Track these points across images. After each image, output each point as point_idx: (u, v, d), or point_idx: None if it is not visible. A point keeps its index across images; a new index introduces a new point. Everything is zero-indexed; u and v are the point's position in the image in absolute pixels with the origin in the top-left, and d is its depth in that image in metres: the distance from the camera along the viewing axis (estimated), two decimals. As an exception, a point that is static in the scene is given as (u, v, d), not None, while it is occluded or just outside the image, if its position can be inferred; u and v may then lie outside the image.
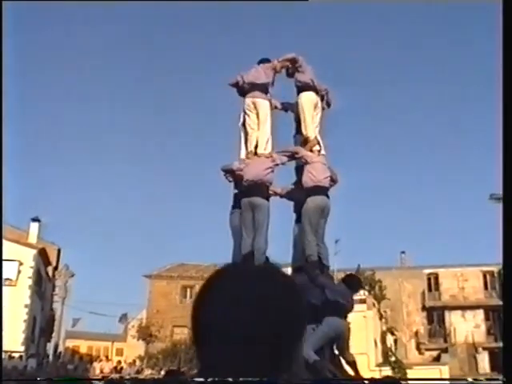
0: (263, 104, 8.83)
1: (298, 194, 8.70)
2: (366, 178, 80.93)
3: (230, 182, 8.84)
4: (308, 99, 9.06)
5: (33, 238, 37.54)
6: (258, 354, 1.07)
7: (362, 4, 70.81)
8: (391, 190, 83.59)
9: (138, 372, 29.66)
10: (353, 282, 8.80)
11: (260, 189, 8.23)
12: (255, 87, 8.88)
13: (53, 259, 40.63)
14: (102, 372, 28.33)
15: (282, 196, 9.12)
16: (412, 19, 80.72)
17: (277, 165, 8.53)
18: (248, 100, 8.86)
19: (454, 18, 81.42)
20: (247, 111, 8.86)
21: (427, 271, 48.16)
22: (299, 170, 8.85)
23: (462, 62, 78.79)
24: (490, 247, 73.77)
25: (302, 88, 9.18)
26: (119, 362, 33.50)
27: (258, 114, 8.75)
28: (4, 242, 28.62)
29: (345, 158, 76.63)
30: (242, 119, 9.03)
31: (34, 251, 34.26)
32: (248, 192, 8.25)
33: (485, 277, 47.54)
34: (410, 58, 79.77)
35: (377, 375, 30.99)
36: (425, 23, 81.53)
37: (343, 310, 8.42)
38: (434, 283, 48.42)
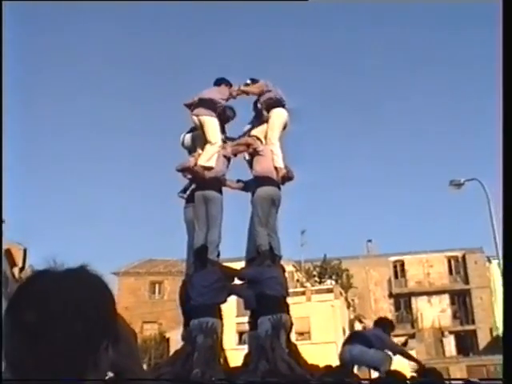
0: (209, 122, 8.48)
1: (252, 186, 8.72)
2: (330, 169, 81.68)
3: (188, 179, 8.82)
4: (280, 116, 8.78)
5: (-3, 238, 37.03)
6: (56, 353, 1.15)
7: (361, 4, 71.17)
8: (355, 180, 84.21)
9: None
10: (386, 324, 9.11)
11: (213, 182, 8.22)
12: (202, 103, 8.54)
13: (19, 260, 40.06)
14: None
15: (239, 189, 9.12)
16: (411, 19, 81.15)
17: (227, 157, 8.49)
18: (194, 117, 8.53)
19: (453, 17, 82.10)
20: (194, 126, 8.67)
21: (393, 259, 48.90)
22: (251, 162, 8.75)
23: (462, 61, 79.53)
24: (452, 233, 75.15)
25: (272, 104, 8.81)
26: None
27: (203, 131, 8.48)
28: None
29: (312, 149, 77.26)
30: (189, 130, 8.86)
31: (-1, 252, 33.76)
32: (201, 186, 8.24)
33: (449, 262, 48.43)
34: (409, 59, 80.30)
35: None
36: (424, 23, 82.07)
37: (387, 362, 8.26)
38: (400, 270, 49.20)
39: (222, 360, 7.75)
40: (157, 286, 47.67)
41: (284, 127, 8.85)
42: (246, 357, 8.16)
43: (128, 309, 44.02)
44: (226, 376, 7.29)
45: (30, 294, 1.21)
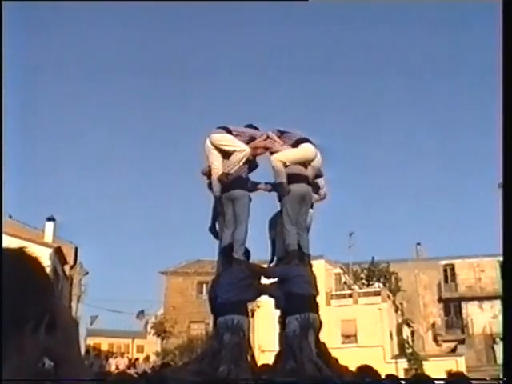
0: (223, 136, 8.26)
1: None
2: (380, 172, 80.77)
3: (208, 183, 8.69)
4: (304, 148, 8.48)
5: (48, 237, 37.82)
6: None
7: (361, 4, 70.76)
8: (405, 182, 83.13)
9: (153, 368, 29.92)
10: None
11: (236, 181, 8.12)
12: (220, 127, 8.38)
13: (70, 258, 40.87)
14: (117, 368, 28.64)
15: (268, 191, 9.02)
16: (411, 19, 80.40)
17: (248, 160, 8.31)
18: (207, 142, 8.28)
19: (453, 18, 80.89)
20: (207, 151, 8.35)
21: (443, 262, 47.91)
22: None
23: (462, 62, 78.36)
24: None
25: (300, 140, 8.56)
26: (137, 358, 33.86)
27: (223, 146, 8.24)
28: (20, 241, 28.98)
29: (362, 152, 76.57)
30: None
31: (50, 250, 34.54)
32: (225, 188, 8.15)
33: (502, 267, 47.13)
34: (409, 59, 79.62)
35: (393, 367, 31.03)
36: (424, 23, 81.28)
37: None
38: (450, 274, 48.16)
39: (249, 358, 7.70)
40: (204, 286, 47.87)
41: (310, 161, 8.53)
42: (277, 357, 8.10)
43: (175, 308, 44.48)
44: (253, 374, 7.25)
45: None
